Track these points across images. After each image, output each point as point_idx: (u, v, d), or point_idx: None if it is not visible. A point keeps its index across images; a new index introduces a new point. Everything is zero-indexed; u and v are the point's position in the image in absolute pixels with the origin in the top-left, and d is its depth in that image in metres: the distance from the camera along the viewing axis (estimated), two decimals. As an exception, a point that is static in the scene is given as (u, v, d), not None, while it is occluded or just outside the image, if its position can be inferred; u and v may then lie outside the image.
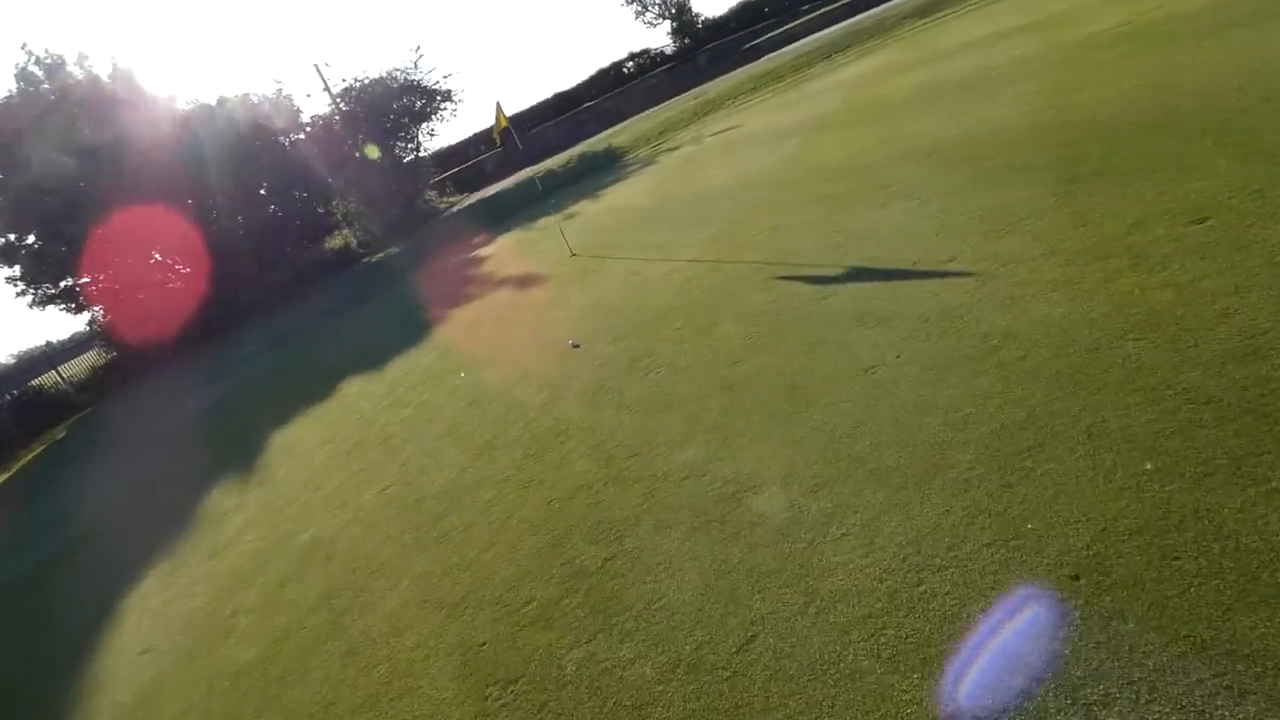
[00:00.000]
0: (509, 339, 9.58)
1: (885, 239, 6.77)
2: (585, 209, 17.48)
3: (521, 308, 10.91)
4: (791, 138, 14.13)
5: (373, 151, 35.96)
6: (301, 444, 9.60)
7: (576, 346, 7.92)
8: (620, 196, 17.04)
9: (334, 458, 8.38)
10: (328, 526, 6.55)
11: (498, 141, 13.20)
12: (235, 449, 11.23)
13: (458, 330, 11.54)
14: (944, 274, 5.49)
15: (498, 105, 12.33)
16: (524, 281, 12.64)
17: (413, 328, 13.16)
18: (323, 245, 34.52)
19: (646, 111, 37.39)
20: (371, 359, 12.31)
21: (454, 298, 14.13)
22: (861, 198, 8.37)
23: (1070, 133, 7.24)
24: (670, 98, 38.47)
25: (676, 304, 7.73)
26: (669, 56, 56.13)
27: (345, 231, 36.33)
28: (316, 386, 12.42)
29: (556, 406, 6.55)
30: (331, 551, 6.01)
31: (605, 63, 54.32)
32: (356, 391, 10.86)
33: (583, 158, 29.72)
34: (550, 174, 30.51)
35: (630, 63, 57.16)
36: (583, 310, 9.19)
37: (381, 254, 30.37)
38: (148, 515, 10.27)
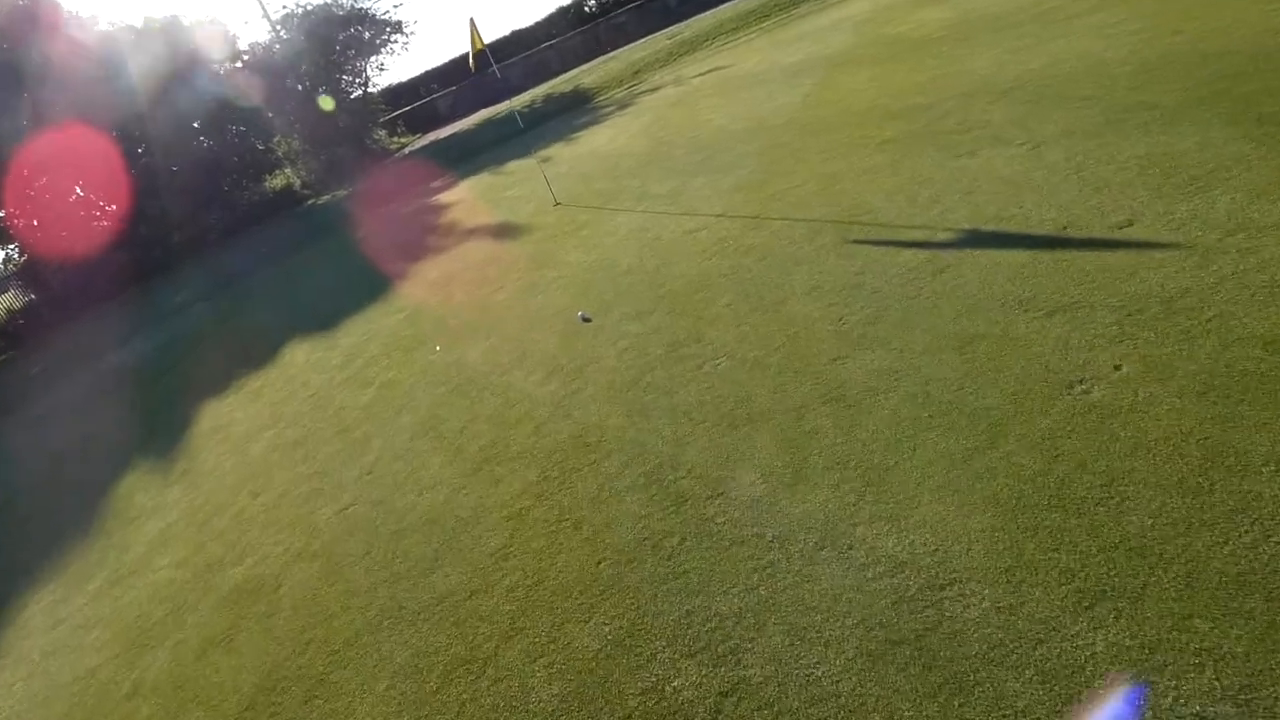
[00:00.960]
0: (492, 304, 7.91)
1: (999, 193, 5.28)
2: (561, 153, 15.62)
3: (502, 265, 9.21)
4: (802, 77, 12.48)
5: (327, 103, 33.08)
6: (237, 426, 7.85)
7: (587, 320, 6.32)
8: (601, 139, 15.22)
9: (278, 449, 6.69)
10: (269, 558, 4.92)
11: (472, 67, 11.29)
12: (158, 423, 9.39)
13: (424, 289, 9.79)
14: (1128, 244, 4.02)
15: (471, 24, 10.41)
16: (501, 233, 10.89)
17: (369, 283, 11.33)
18: (263, 185, 31.73)
19: (615, 51, 35.08)
20: (321, 318, 10.50)
21: (417, 249, 12.29)
22: (934, 142, 6.85)
23: (1219, 65, 5.79)
24: (640, 37, 36.15)
25: (715, 270, 6.16)
26: (633, -5, 53.39)
27: (288, 171, 33.48)
28: (256, 349, 10.58)
29: (576, 404, 4.97)
30: (274, 603, 4.39)
31: (565, 2, 51.13)
32: (304, 360, 9.08)
33: (549, 98, 27.54)
34: (513, 113, 28.32)
35: (592, 0, 54.30)
36: (584, 272, 7.56)
37: (328, 196, 27.91)
38: (48, 507, 8.42)
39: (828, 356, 4.23)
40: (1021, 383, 3.35)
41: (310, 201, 28.73)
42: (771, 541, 3.09)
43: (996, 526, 2.69)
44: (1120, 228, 4.21)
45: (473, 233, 11.73)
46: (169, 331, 15.36)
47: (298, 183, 31.28)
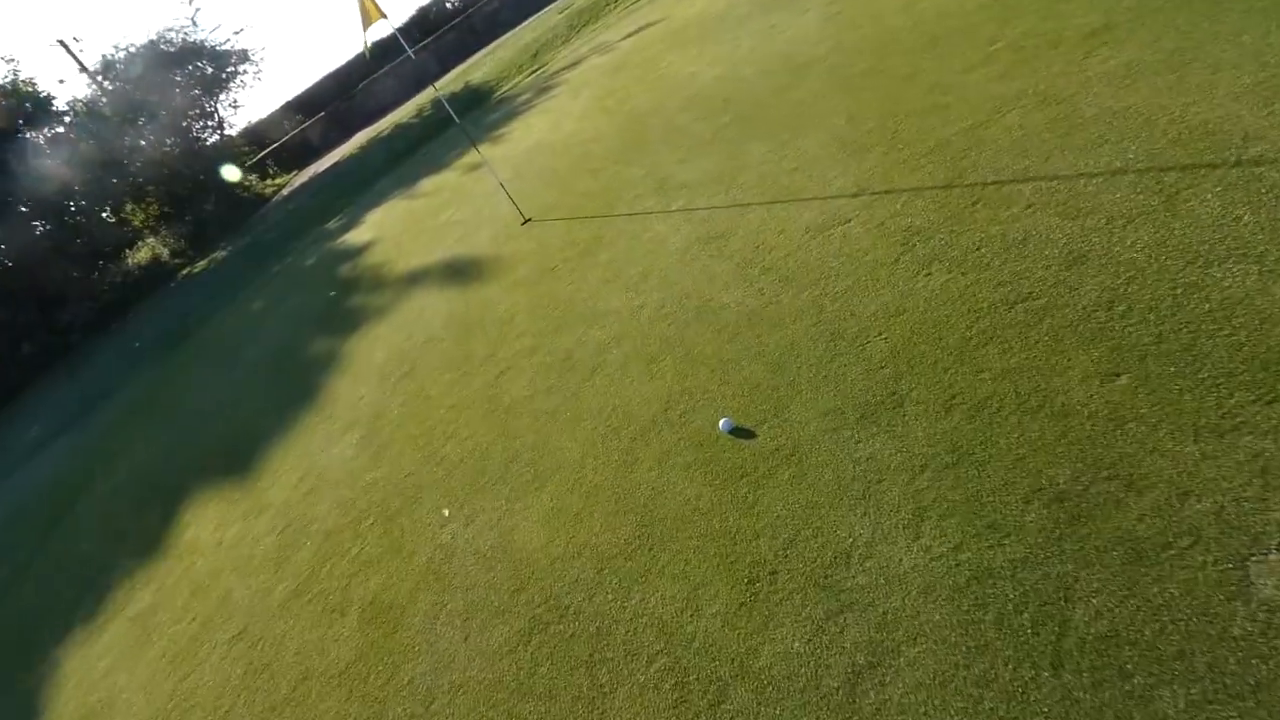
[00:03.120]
0: (508, 406, 4.77)
1: None
2: (493, 155, 12.32)
3: (489, 328, 6.04)
4: (796, 2, 9.58)
5: (232, 173, 28.92)
6: (118, 711, 4.52)
7: (746, 435, 3.28)
8: (540, 129, 11.99)
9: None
10: None
11: (367, 50, 7.99)
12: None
13: (375, 383, 6.52)
14: None
15: (360, -14, 7.10)
16: (460, 274, 7.66)
17: (285, 381, 7.97)
18: (125, 263, 27.08)
19: (500, 39, 31.49)
20: (227, 451, 7.13)
21: (339, 318, 8.93)
22: (1201, 11, 4.04)
23: None
24: (522, 21, 32.66)
25: (959, 293, 3.20)
26: (496, -18, 49.51)
27: (151, 241, 28.88)
28: (138, 518, 7.18)
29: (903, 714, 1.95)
30: None
31: (425, 1, 46.65)
32: (214, 541, 5.75)
33: (439, 102, 23.96)
34: (401, 127, 24.68)
35: (454, -4, 50.20)
36: (658, 325, 4.50)
37: (205, 261, 23.74)
38: None
39: None
40: None
41: (184, 271, 24.48)
42: None
43: None
44: None
45: (415, 281, 8.45)
46: (15, 495, 11.42)
47: (165, 252, 26.77)
